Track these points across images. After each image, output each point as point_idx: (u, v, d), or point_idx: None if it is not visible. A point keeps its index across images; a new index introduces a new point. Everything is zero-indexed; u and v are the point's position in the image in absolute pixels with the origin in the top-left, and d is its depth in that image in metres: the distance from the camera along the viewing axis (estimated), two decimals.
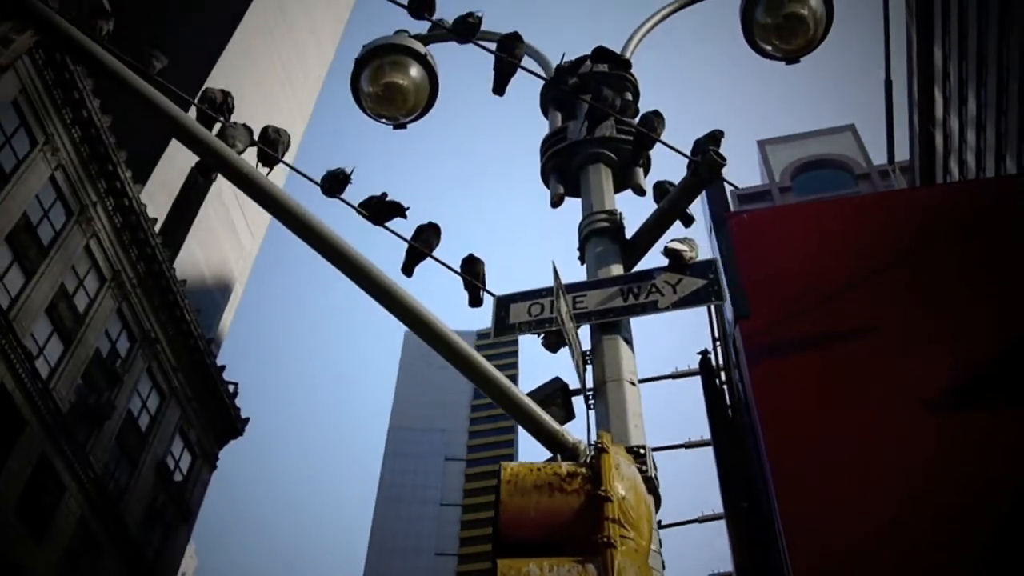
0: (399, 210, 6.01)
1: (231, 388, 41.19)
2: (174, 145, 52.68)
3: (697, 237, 5.93)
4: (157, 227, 39.15)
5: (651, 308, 5.28)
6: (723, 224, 12.56)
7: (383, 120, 7.78)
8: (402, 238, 6.16)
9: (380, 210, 5.98)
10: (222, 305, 54.43)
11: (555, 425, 4.22)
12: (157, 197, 50.42)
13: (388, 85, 7.52)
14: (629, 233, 6.05)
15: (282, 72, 71.80)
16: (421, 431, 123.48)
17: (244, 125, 5.25)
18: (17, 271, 30.50)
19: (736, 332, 11.47)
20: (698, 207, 13.52)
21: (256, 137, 5.99)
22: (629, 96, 7.15)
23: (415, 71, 7.52)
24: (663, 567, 4.23)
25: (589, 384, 5.03)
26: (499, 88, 6.82)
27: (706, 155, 5.77)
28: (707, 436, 13.53)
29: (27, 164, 30.97)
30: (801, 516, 9.06)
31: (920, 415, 9.52)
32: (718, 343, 14.74)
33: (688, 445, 14.64)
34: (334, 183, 5.84)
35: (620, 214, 6.06)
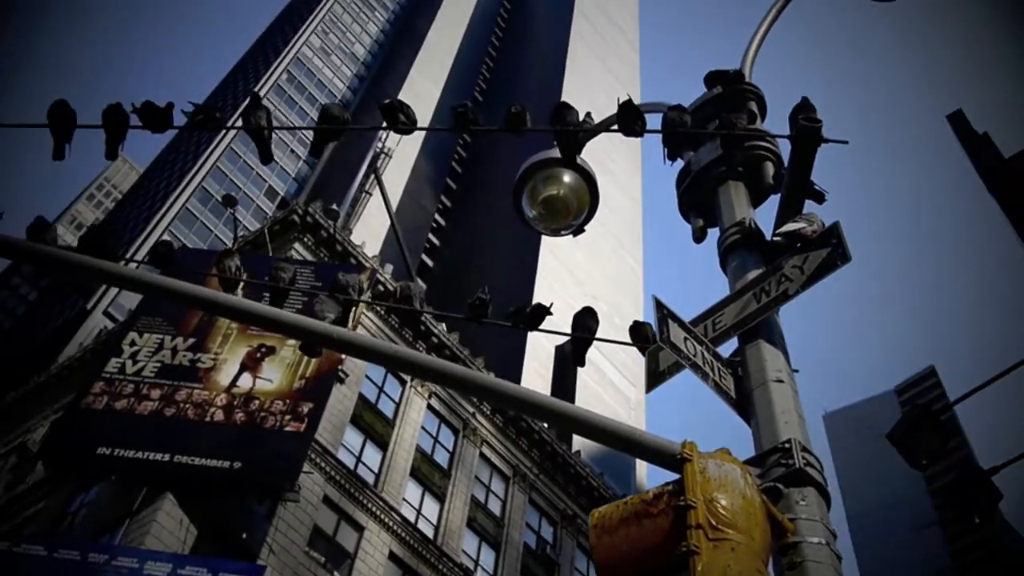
0: (545, 311, 6.11)
1: None
2: (533, 339, 55.91)
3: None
4: None
5: (782, 299, 4.94)
6: (994, 175, 11.38)
7: (562, 233, 7.98)
8: (562, 333, 6.22)
9: (529, 318, 6.12)
10: (631, 460, 55.40)
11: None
12: (533, 382, 53.09)
13: (545, 201, 7.74)
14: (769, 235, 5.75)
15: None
16: (880, 509, 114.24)
17: (332, 295, 5.66)
18: (431, 500, 33.12)
19: None
20: (970, 169, 12.35)
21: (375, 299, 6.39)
22: (753, 106, 6.90)
23: (568, 177, 7.69)
24: (840, 560, 3.81)
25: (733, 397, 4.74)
26: (570, 160, 6.83)
27: (798, 126, 5.47)
28: None
29: (404, 402, 34.06)
30: None
31: None
32: None
33: None
34: (477, 310, 6.07)
35: (750, 221, 5.78)
